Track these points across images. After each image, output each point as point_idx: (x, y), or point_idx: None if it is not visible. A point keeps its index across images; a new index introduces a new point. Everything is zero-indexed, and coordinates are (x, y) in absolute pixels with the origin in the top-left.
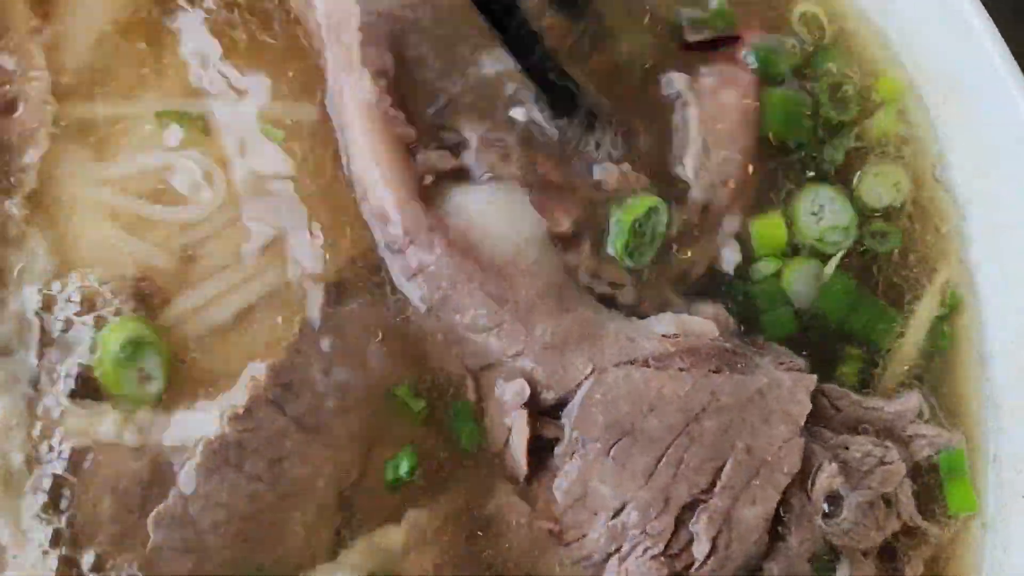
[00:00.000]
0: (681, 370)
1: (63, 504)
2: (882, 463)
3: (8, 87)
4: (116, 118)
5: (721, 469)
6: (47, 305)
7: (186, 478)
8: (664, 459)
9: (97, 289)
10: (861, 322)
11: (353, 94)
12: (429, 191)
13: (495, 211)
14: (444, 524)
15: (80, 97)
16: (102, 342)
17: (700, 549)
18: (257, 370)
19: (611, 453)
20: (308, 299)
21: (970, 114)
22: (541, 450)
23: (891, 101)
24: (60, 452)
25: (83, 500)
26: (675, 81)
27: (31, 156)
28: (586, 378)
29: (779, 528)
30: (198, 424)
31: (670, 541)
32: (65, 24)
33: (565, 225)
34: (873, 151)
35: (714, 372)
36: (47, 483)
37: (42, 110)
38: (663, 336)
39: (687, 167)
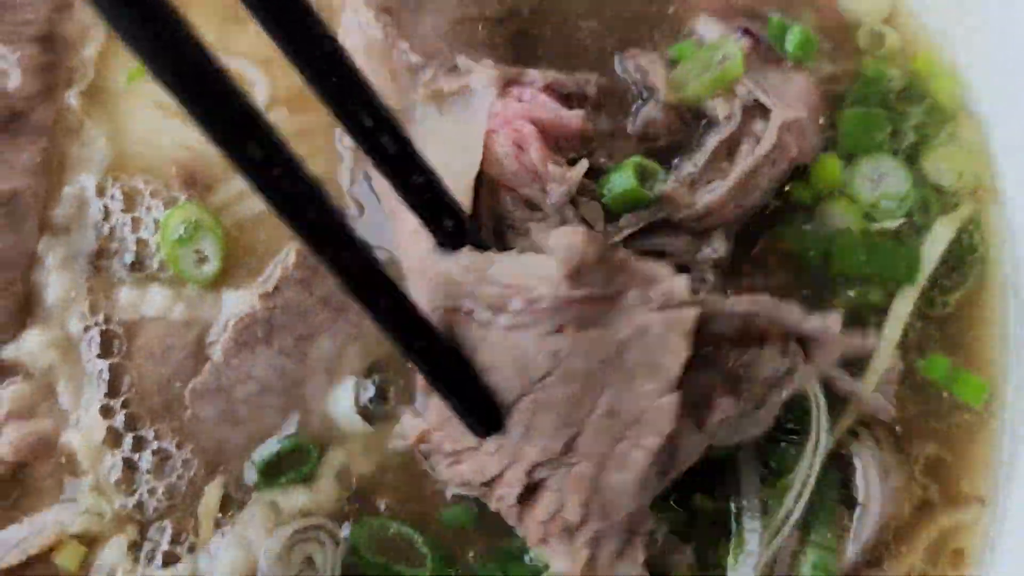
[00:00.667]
0: (517, 328)
1: (117, 373)
2: (789, 370)
3: None
4: None
5: (576, 437)
6: (102, 189)
7: (220, 352)
8: (512, 420)
9: (149, 175)
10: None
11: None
12: None
13: None
14: None
15: None
16: (164, 224)
17: (572, 512)
18: (287, 253)
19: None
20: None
21: None
22: None
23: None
24: (114, 324)
25: (133, 370)
26: None
27: (88, 51)
28: None
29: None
30: (240, 302)
31: (523, 494)
32: None
33: None
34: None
35: (556, 332)
36: (103, 352)
37: None
38: (505, 285)
39: None
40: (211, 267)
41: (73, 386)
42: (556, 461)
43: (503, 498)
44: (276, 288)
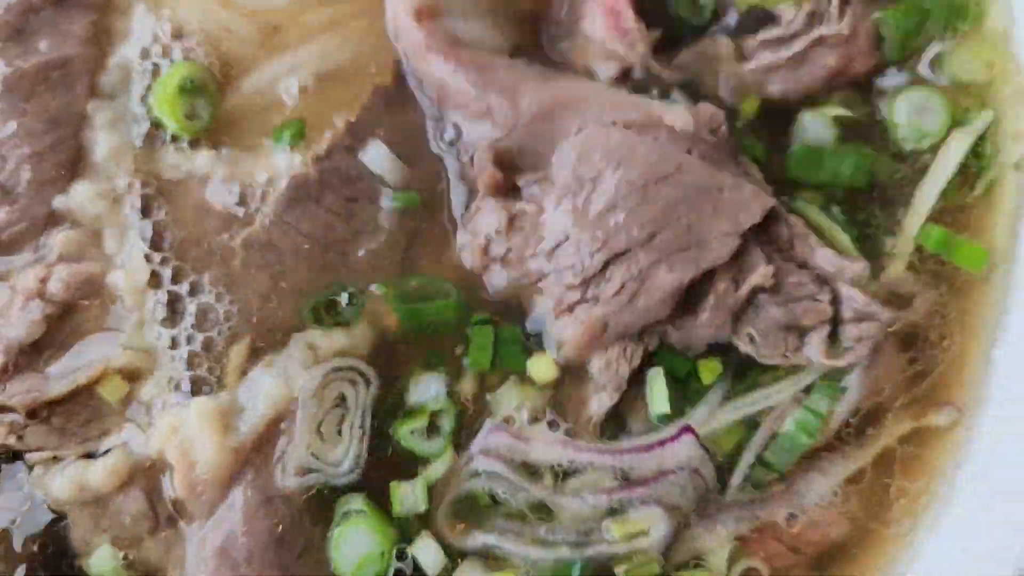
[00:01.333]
0: (657, 139)
1: (159, 224)
2: (813, 299)
3: None
4: None
5: (657, 234)
6: (145, 54)
7: (271, 207)
8: (615, 209)
9: (189, 46)
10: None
11: None
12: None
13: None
14: None
15: None
16: (163, 79)
17: (610, 287)
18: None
19: (572, 196)
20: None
21: None
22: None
23: None
24: (157, 180)
25: (176, 222)
26: None
27: None
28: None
29: (696, 305)
30: (279, 164)
31: (591, 278)
32: None
33: None
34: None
35: (687, 152)
36: (145, 206)
37: None
38: (648, 111)
39: None
40: (200, 124)
41: (118, 233)
42: (635, 248)
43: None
44: (328, 152)
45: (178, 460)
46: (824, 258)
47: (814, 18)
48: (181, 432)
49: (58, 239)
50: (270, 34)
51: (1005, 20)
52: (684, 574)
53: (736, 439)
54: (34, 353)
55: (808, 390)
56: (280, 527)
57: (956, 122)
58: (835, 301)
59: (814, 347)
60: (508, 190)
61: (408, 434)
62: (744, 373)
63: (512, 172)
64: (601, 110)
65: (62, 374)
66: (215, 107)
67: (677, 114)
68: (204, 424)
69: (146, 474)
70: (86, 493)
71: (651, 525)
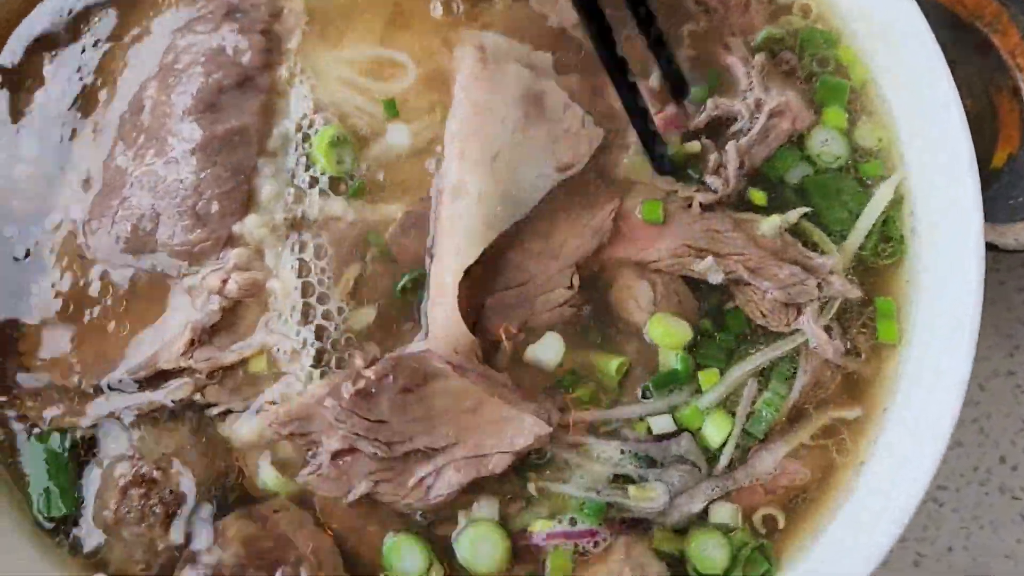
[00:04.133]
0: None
1: (309, 247)
2: (803, 283)
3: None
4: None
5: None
6: (299, 128)
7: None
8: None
9: (328, 117)
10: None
11: None
12: None
13: None
14: None
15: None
16: (319, 134)
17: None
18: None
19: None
20: None
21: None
22: None
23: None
24: (306, 219)
25: (322, 248)
26: None
27: (292, 43)
28: None
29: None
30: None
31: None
32: None
33: None
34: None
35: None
36: (298, 235)
37: (297, 15)
38: None
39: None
40: (346, 167)
41: (275, 252)
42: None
43: None
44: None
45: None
46: (809, 256)
47: (760, 102)
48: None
49: (234, 253)
50: (385, 112)
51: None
52: (701, 533)
53: (725, 432)
54: (212, 333)
55: (768, 380)
56: None
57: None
58: (820, 285)
59: (807, 316)
60: None
61: None
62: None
63: None
64: None
65: (230, 349)
66: (357, 156)
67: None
68: None
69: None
70: (263, 439)
71: (657, 495)
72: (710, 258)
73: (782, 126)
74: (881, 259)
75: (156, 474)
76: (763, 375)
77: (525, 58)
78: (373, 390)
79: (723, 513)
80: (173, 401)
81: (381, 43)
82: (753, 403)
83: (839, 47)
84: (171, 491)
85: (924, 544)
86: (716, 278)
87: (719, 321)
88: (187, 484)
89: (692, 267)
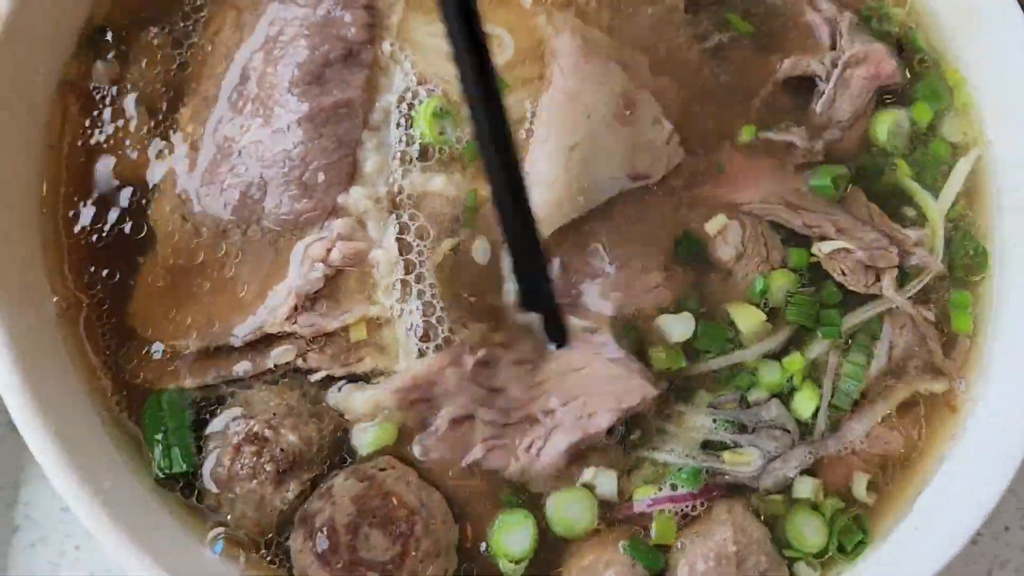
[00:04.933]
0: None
1: (408, 221)
2: (886, 249)
3: None
4: None
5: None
6: (400, 100)
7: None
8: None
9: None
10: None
11: None
12: None
13: None
14: None
15: None
16: (423, 105)
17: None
18: None
19: None
20: None
21: None
22: None
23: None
24: (406, 192)
25: (421, 222)
26: None
27: (393, 18)
28: None
29: None
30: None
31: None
32: None
33: None
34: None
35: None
36: (400, 207)
37: None
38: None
39: None
40: (450, 137)
41: (378, 224)
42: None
43: None
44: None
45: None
46: (894, 228)
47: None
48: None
49: (338, 224)
50: None
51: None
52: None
53: (814, 403)
54: (316, 300)
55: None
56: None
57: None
58: (903, 255)
59: (886, 282)
60: None
61: None
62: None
63: None
64: None
65: (332, 317)
66: (459, 128)
67: None
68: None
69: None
70: (377, 408)
71: (752, 460)
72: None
73: (859, 73)
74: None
75: (268, 432)
76: (846, 345)
77: (624, 59)
78: (490, 361)
79: (807, 487)
80: (276, 365)
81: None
82: (836, 374)
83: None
84: (282, 449)
85: None
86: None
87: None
88: (297, 444)
89: (780, 214)
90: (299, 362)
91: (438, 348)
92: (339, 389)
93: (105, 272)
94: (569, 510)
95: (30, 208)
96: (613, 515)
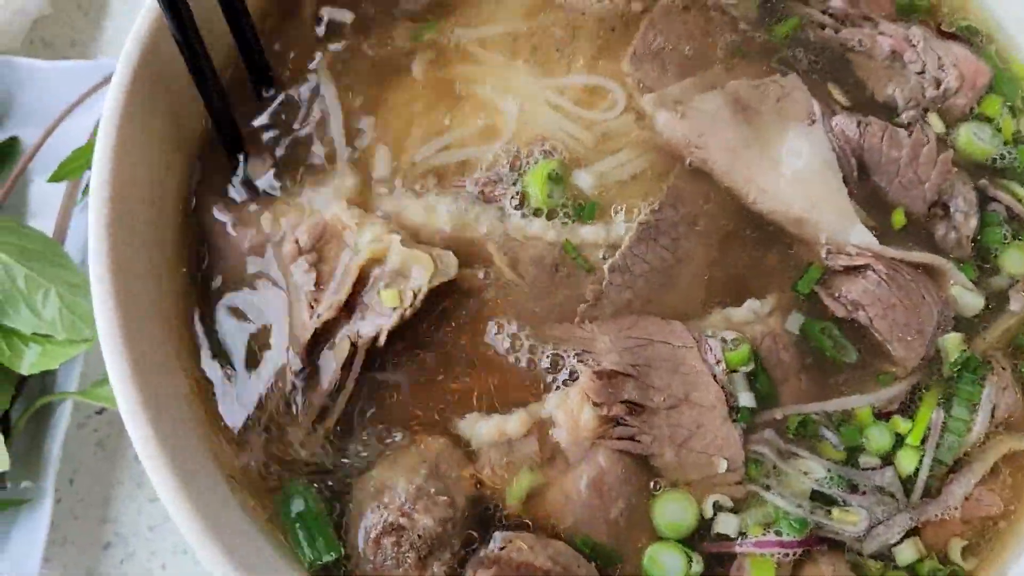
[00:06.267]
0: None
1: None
2: None
3: None
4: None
5: None
6: (513, 152)
7: (628, 243)
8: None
9: (546, 149)
10: None
11: None
12: None
13: None
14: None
15: None
16: (536, 168)
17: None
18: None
19: None
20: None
21: None
22: None
23: None
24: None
25: (518, 268)
26: None
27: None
28: None
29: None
30: (590, 232)
31: None
32: None
33: None
34: None
35: None
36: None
37: None
38: None
39: None
40: (558, 200)
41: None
42: None
43: None
44: (660, 206)
45: (566, 421)
46: None
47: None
48: (569, 403)
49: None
50: (601, 140)
51: None
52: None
53: (915, 460)
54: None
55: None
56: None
57: None
58: None
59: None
60: None
61: None
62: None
63: None
64: None
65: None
66: (566, 190)
67: None
68: (583, 398)
69: (540, 427)
70: (503, 437)
71: (858, 520)
72: None
73: (950, 83)
74: None
75: (403, 521)
76: (947, 401)
77: (707, 84)
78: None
79: (909, 554)
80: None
81: (591, 71)
82: (941, 431)
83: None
84: (419, 535)
85: None
86: None
87: None
88: (432, 527)
89: None
90: (358, 339)
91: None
92: (464, 419)
93: None
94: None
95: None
96: (703, 548)
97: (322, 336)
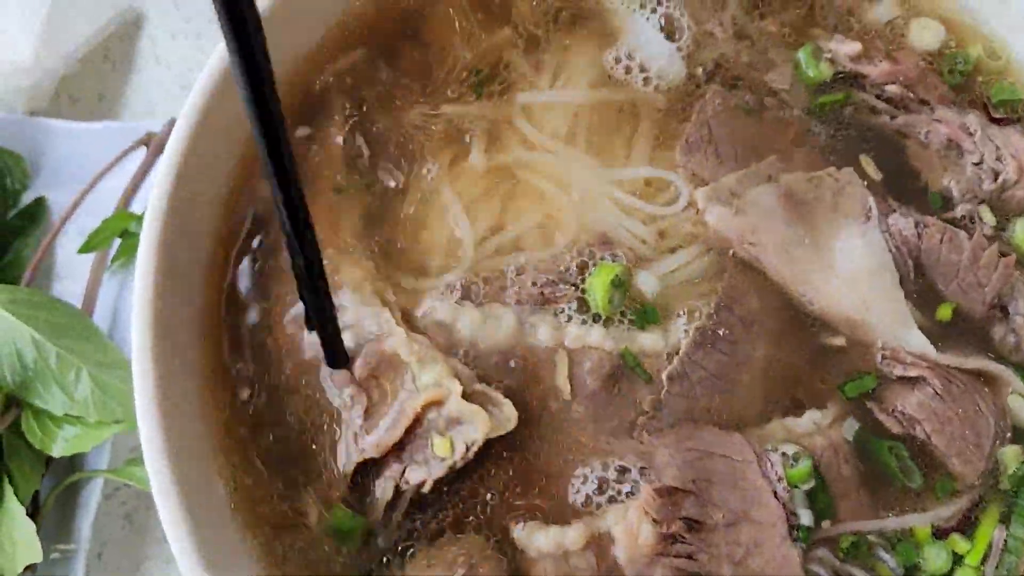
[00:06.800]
0: None
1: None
2: None
3: None
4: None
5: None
6: (578, 253)
7: (686, 350)
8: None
9: (612, 252)
10: None
11: None
12: None
13: None
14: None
15: None
16: (598, 270)
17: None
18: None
19: None
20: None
21: None
22: None
23: None
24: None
25: (577, 378)
26: None
27: None
28: None
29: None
30: (649, 340)
31: None
32: None
33: None
34: None
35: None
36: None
37: None
38: None
39: None
40: (618, 306)
41: None
42: None
43: None
44: (716, 310)
45: (624, 538)
46: None
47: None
48: (628, 519)
49: None
50: (658, 238)
51: None
52: None
53: None
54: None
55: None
56: None
57: None
58: None
59: None
60: None
61: None
62: None
63: None
64: None
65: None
66: (627, 295)
67: None
68: (642, 515)
69: (598, 541)
70: (560, 548)
71: None
72: None
73: (1009, 175)
74: None
75: None
76: (1007, 517)
77: (762, 176)
78: None
79: None
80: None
81: (651, 163)
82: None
83: None
84: None
85: None
86: None
87: None
88: None
89: None
90: (403, 484)
91: None
92: (522, 528)
93: None
94: None
95: None
96: None
97: (369, 463)
